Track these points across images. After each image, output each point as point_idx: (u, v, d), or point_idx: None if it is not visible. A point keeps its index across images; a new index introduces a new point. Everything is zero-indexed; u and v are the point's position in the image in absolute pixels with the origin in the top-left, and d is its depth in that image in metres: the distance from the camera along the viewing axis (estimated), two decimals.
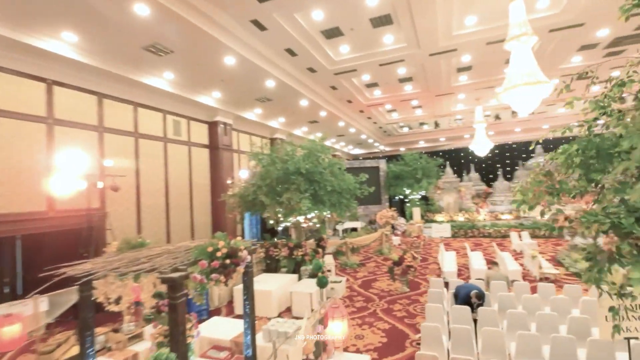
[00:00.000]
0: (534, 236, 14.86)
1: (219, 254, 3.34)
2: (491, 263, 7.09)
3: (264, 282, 8.01)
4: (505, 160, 24.17)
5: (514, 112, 17.27)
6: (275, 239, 12.36)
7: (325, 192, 9.23)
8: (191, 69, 9.41)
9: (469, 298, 5.47)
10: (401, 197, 22.42)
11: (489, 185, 22.54)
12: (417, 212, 19.80)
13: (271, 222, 9.20)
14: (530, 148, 3.46)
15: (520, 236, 13.33)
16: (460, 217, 20.05)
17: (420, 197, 21.90)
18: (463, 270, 10.42)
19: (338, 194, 9.69)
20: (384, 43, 9.59)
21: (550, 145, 23.85)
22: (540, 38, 7.22)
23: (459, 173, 23.50)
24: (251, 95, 12.06)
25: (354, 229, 17.94)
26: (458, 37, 9.30)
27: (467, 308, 5.41)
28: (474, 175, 22.87)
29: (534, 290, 6.88)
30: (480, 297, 5.40)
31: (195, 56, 8.61)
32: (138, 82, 9.30)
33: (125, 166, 9.47)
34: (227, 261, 3.42)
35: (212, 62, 8.94)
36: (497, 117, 17.68)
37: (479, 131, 16.30)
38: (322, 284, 6.40)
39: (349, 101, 15.02)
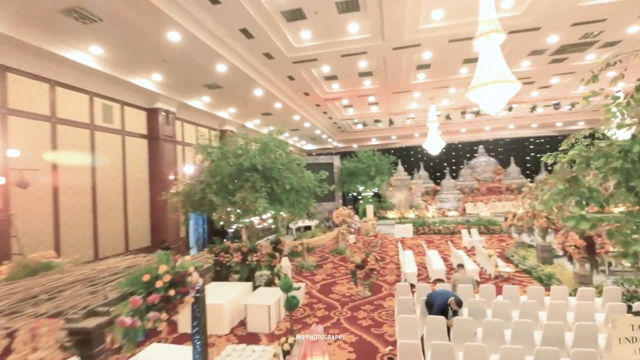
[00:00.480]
0: (480, 232, 15.51)
1: (159, 283, 2.43)
2: (457, 265, 6.91)
3: (213, 294, 7.00)
4: (452, 160, 25.28)
5: (463, 113, 17.89)
6: (225, 241, 11.30)
7: (284, 191, 8.43)
8: (126, 44, 7.95)
9: (446, 306, 5.10)
10: (354, 194, 22.33)
11: (437, 183, 23.37)
12: (370, 209, 19.79)
13: (221, 223, 8.16)
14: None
15: (470, 233, 13.78)
16: (411, 214, 20.48)
17: (372, 194, 22.00)
18: (421, 270, 10.33)
19: (297, 192, 8.95)
20: (348, 32, 8.98)
21: (490, 146, 25.45)
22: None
23: (409, 171, 24.03)
24: (198, 80, 10.75)
25: (308, 228, 17.34)
26: (423, 31, 9.02)
27: (443, 318, 5.04)
28: (423, 173, 23.56)
29: (498, 291, 6.80)
30: (460, 304, 5.06)
31: (131, 28, 7.22)
32: (56, 56, 7.62)
33: (39, 158, 7.75)
34: (171, 292, 2.52)
35: (153, 37, 7.60)
36: (448, 117, 18.21)
37: (432, 130, 16.59)
38: (291, 306, 5.61)
39: (306, 93, 14.28)
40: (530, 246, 11.56)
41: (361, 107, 17.50)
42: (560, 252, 7.65)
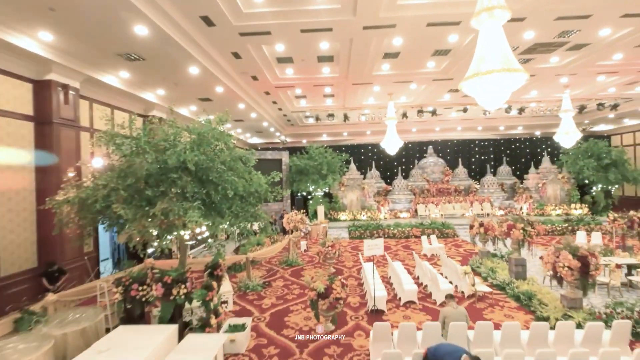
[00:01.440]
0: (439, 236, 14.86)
1: None
2: (446, 297, 5.58)
3: (120, 347, 4.79)
4: (402, 159, 24.84)
5: (419, 112, 17.14)
6: (146, 260, 8.80)
7: (224, 198, 6.35)
8: None
9: None
10: (304, 194, 20.66)
11: (388, 183, 22.68)
12: (321, 210, 18.27)
13: (133, 244, 5.82)
14: None
15: (429, 239, 12.94)
16: (363, 216, 19.42)
17: (323, 194, 20.54)
18: (386, 286, 8.99)
19: (242, 199, 6.92)
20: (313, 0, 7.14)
21: (439, 147, 25.53)
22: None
23: (360, 170, 23.00)
24: (111, 46, 8.08)
25: (253, 232, 15.24)
26: (402, 8, 7.52)
27: None
28: (375, 172, 22.70)
29: (478, 316, 5.60)
30: None
31: None
32: None
33: None
34: None
35: None
36: (405, 116, 17.35)
37: (390, 128, 15.50)
38: None
39: (254, 78, 12.14)
40: (495, 255, 10.93)
41: (315, 98, 15.78)
42: (548, 273, 6.73)
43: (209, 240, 9.47)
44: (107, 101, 10.95)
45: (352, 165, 21.14)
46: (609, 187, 19.39)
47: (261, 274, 10.68)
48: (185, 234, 6.57)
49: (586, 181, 19.67)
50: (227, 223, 6.62)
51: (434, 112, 17.27)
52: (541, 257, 7.00)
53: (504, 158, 23.30)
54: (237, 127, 20.54)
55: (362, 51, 9.96)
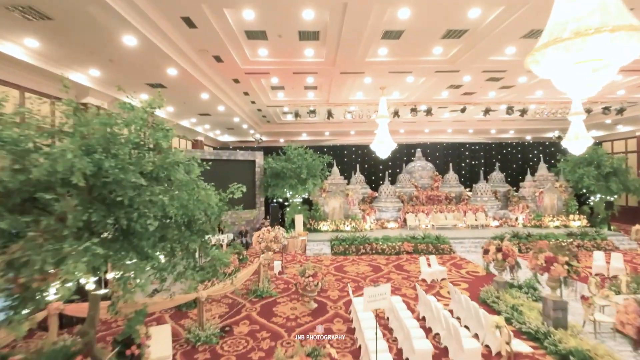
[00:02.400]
0: (428, 252, 12.85)
1: None
2: None
3: None
4: (388, 163, 22.88)
5: (413, 110, 15.12)
6: (50, 305, 6.12)
7: (147, 231, 3.88)
8: None
9: None
10: (280, 200, 18.23)
11: (373, 189, 20.61)
12: (299, 220, 15.91)
13: None
14: None
15: (428, 261, 10.88)
16: (347, 226, 17.23)
17: (302, 200, 18.17)
18: (385, 333, 6.75)
19: (179, 227, 4.47)
20: None
21: (427, 150, 23.76)
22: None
23: (343, 174, 20.78)
24: None
25: (216, 246, 12.68)
26: None
27: None
28: (360, 177, 20.57)
29: None
30: None
31: None
32: None
33: None
34: None
35: None
36: (396, 114, 15.28)
37: (382, 127, 13.41)
38: None
39: (218, 59, 9.62)
40: (512, 286, 8.96)
41: (295, 90, 13.42)
42: (616, 328, 4.71)
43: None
44: (14, 80, 8.12)
45: (335, 169, 18.93)
46: (609, 197, 18.16)
47: (221, 311, 8.22)
48: (89, 282, 4.04)
49: (583, 190, 18.37)
50: (152, 268, 4.16)
51: (428, 111, 15.30)
52: (583, 297, 5.01)
53: (496, 163, 21.76)
54: (205, 122, 17.83)
55: (357, 26, 7.69)
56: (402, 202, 19.29)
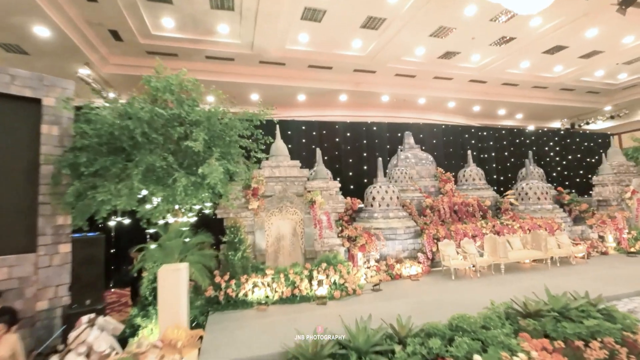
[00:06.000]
0: None
1: None
2: None
3: None
4: (361, 151, 13.12)
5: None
6: None
7: None
8: None
9: None
10: (120, 221, 6.69)
11: (348, 194, 10.49)
12: (175, 287, 4.69)
13: None
14: None
15: None
16: (316, 286, 6.57)
17: (195, 219, 6.78)
18: None
19: None
20: None
21: (420, 135, 14.80)
22: None
23: (300, 159, 10.14)
24: None
25: None
26: None
27: None
28: (322, 170, 10.21)
29: None
30: None
31: None
32: None
33: None
34: None
35: None
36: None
37: None
38: None
39: None
40: None
41: None
42: None
43: None
44: None
45: (280, 145, 8.21)
46: None
47: None
48: None
49: None
50: None
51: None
52: None
53: (528, 152, 13.54)
54: None
55: None
56: (411, 215, 9.60)
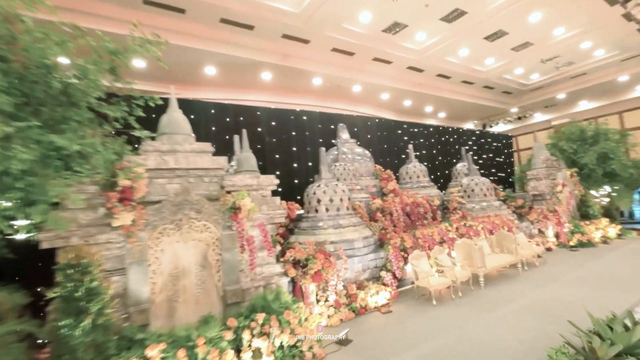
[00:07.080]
0: None
1: None
2: None
3: None
4: (281, 143, 10.48)
5: None
6: None
7: None
8: None
9: None
10: None
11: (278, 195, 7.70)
12: None
13: None
14: None
15: None
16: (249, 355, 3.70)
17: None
18: None
19: None
20: None
21: (355, 129, 12.74)
22: None
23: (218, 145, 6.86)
24: None
25: None
26: None
27: None
28: (248, 157, 7.22)
29: None
30: None
31: None
32: None
33: None
34: None
35: None
36: None
37: None
38: None
39: None
40: None
41: None
42: None
43: None
44: None
45: (177, 118, 5.00)
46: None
47: None
48: None
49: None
50: None
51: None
52: None
53: (463, 149, 12.91)
54: None
55: None
56: (365, 223, 7.34)
